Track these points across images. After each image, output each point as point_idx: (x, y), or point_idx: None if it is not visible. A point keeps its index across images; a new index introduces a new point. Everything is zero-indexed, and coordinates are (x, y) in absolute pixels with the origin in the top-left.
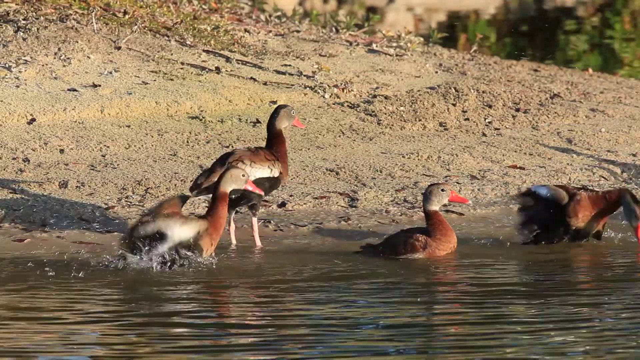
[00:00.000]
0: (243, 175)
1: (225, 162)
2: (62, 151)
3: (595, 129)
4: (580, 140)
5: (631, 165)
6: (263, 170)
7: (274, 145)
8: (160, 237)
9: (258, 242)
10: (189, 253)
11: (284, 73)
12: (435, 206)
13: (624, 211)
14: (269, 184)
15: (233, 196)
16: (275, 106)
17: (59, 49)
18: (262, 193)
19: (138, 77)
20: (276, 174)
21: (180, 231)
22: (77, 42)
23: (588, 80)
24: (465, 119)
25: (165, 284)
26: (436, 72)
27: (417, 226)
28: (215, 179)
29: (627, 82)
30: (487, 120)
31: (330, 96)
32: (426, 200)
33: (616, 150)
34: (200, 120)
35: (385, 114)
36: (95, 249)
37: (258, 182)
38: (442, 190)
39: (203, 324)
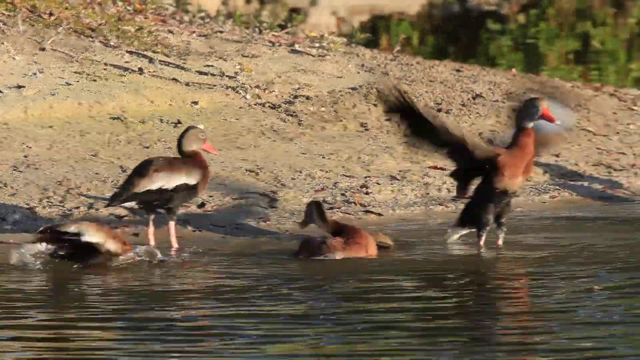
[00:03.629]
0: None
1: (141, 174)
2: None
3: None
4: (502, 141)
5: (554, 166)
6: (180, 178)
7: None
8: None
9: (174, 243)
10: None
11: (206, 74)
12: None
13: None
14: (188, 191)
15: (150, 198)
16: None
17: None
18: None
19: (62, 78)
20: (193, 182)
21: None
22: (3, 43)
23: (511, 81)
24: (387, 120)
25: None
26: (358, 73)
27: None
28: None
29: (551, 82)
30: None
31: (251, 97)
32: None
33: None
34: (122, 121)
35: (306, 114)
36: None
37: (177, 189)
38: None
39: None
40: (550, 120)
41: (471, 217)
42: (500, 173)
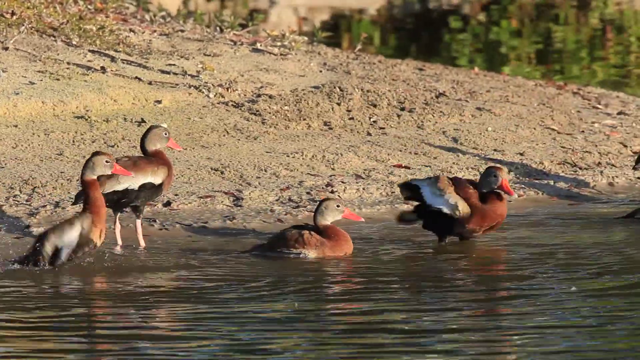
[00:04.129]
0: (107, 162)
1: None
2: None
3: (482, 128)
4: (467, 140)
5: (518, 164)
6: (145, 178)
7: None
8: (58, 250)
9: (142, 242)
10: (86, 249)
11: (168, 72)
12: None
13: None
14: (153, 190)
15: (116, 197)
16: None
17: None
18: (132, 174)
19: (25, 77)
20: (158, 181)
21: (70, 236)
22: None
23: (474, 79)
24: (350, 118)
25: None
26: (320, 72)
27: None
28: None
29: (514, 80)
30: (371, 120)
31: (214, 95)
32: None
33: (503, 149)
34: (86, 119)
35: (270, 113)
36: None
37: (142, 188)
38: (337, 206)
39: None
40: (509, 192)
41: (431, 227)
42: (463, 223)
